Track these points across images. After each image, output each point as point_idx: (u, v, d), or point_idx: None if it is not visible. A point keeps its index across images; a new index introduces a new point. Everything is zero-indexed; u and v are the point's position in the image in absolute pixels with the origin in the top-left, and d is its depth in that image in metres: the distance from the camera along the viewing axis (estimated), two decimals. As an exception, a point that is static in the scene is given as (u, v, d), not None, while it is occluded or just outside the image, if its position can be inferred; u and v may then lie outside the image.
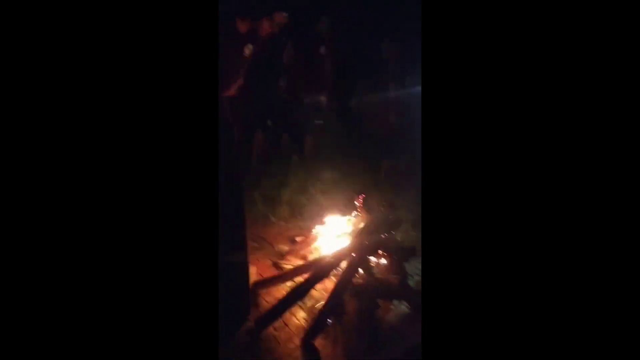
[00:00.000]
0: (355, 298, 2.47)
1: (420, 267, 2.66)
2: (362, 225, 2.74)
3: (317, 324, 2.25)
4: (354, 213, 2.95)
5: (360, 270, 2.55)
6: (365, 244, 2.47)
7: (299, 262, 2.81)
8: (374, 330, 2.37)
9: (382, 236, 2.51)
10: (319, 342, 2.23)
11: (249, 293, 2.39)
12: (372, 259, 2.65)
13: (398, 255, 2.52)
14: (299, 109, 4.56)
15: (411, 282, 2.56)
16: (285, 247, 3.14)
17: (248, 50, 4.07)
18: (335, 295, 2.33)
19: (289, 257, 2.99)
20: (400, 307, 2.58)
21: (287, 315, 2.31)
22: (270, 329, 2.22)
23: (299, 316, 2.42)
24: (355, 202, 2.95)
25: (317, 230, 3.14)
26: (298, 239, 3.21)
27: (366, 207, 2.86)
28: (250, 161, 4.51)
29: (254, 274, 2.58)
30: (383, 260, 2.72)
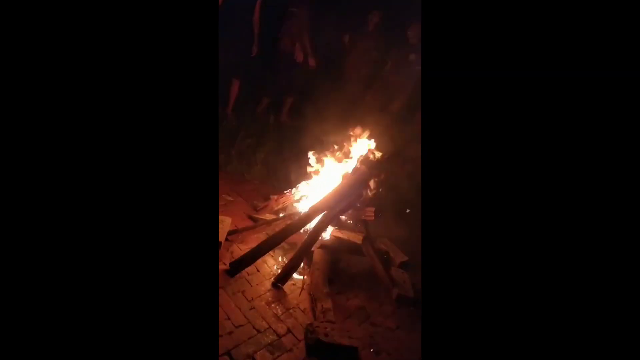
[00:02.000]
0: (322, 250, 2.71)
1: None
2: (334, 188, 2.93)
3: (284, 271, 2.47)
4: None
5: (330, 228, 2.78)
6: (336, 204, 2.68)
7: (272, 217, 2.99)
8: (336, 279, 2.64)
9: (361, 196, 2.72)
10: (287, 287, 2.47)
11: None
12: (342, 217, 2.89)
13: (363, 215, 2.75)
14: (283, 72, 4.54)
15: (373, 242, 2.83)
16: (259, 203, 3.30)
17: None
18: (304, 248, 2.55)
19: (262, 212, 3.16)
20: (363, 262, 2.87)
21: (259, 262, 2.51)
22: (244, 273, 2.41)
23: (269, 264, 2.63)
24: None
25: (291, 190, 3.32)
26: (272, 196, 3.37)
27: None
28: (226, 113, 4.51)
29: (229, 224, 2.73)
30: (350, 220, 2.97)
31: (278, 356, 1.96)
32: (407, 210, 3.57)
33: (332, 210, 2.67)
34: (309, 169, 3.20)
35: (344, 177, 2.86)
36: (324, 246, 2.72)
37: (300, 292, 2.45)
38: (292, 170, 3.69)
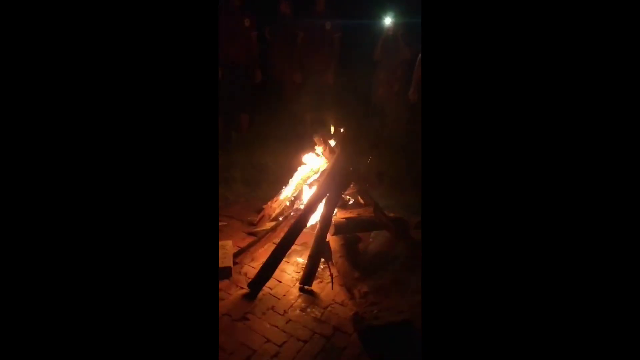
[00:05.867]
0: (337, 237, 2.52)
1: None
2: (324, 167, 2.75)
3: (307, 271, 2.27)
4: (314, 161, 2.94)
5: (336, 211, 2.60)
6: (333, 184, 2.49)
7: (272, 224, 2.78)
8: (361, 261, 2.46)
9: (350, 169, 2.55)
10: (315, 287, 2.26)
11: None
12: (345, 196, 2.72)
13: (367, 186, 2.59)
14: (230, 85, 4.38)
15: (383, 210, 2.67)
16: (254, 218, 3.07)
17: None
18: (318, 241, 2.35)
19: (261, 224, 2.94)
20: (380, 236, 2.71)
21: (277, 273, 2.29)
22: (266, 289, 2.19)
23: (288, 271, 2.42)
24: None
25: (281, 192, 3.11)
26: (264, 206, 3.15)
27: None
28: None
29: (231, 247, 2.50)
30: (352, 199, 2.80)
31: (336, 358, 1.76)
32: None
33: (332, 192, 2.49)
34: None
35: (327, 160, 2.70)
36: (337, 231, 2.53)
37: (332, 286, 2.25)
38: (273, 174, 3.51)
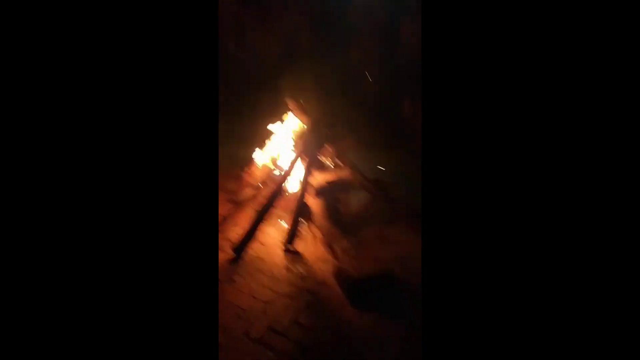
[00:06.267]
0: (317, 198, 2.58)
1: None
2: (299, 126, 2.74)
3: (291, 232, 2.33)
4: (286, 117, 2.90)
5: (315, 173, 2.64)
6: (308, 146, 2.52)
7: (251, 191, 2.79)
8: (342, 221, 2.54)
9: (326, 131, 2.57)
10: (299, 247, 2.34)
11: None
12: (322, 158, 2.75)
13: (342, 145, 2.62)
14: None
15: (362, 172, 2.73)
16: (233, 184, 3.07)
17: None
18: (298, 203, 2.40)
19: (240, 190, 2.95)
20: (359, 196, 2.78)
21: (261, 237, 2.34)
22: (251, 252, 2.24)
23: (272, 234, 2.47)
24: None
25: (257, 154, 3.08)
26: (241, 172, 3.15)
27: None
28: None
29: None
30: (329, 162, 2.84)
31: (321, 312, 1.86)
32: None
33: (309, 154, 2.51)
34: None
35: (302, 121, 2.69)
36: (317, 194, 2.58)
37: (315, 245, 2.33)
38: (252, 142, 3.45)
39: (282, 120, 2.86)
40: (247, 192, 2.84)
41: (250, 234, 2.23)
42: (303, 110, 2.68)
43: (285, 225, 2.53)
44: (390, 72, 4.06)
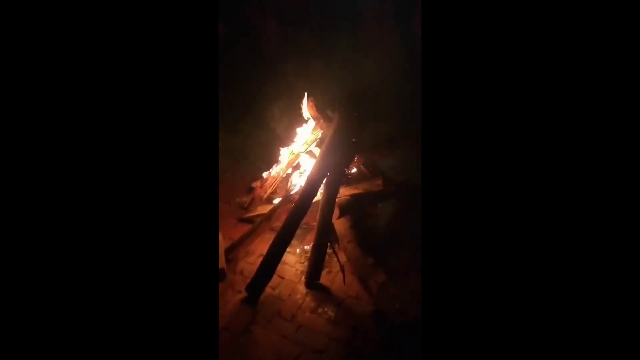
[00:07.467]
0: (343, 219, 2.19)
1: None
2: (319, 134, 2.33)
3: (314, 261, 1.96)
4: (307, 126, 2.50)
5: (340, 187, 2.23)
6: (333, 156, 2.10)
7: (267, 207, 2.42)
8: (372, 240, 2.15)
9: (352, 140, 2.14)
10: (324, 279, 1.98)
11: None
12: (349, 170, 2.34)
13: (376, 157, 2.20)
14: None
15: (392, 181, 2.32)
16: (244, 199, 2.71)
17: None
18: (323, 227, 2.01)
19: (253, 207, 2.58)
20: (388, 206, 2.38)
21: (279, 267, 1.97)
22: (268, 289, 1.89)
23: (290, 262, 2.11)
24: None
25: (273, 167, 2.72)
26: (254, 184, 2.78)
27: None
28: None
29: (222, 240, 2.16)
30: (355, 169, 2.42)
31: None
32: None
33: (333, 170, 2.10)
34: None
35: (322, 129, 2.26)
36: (343, 212, 2.19)
37: (344, 279, 1.96)
38: (260, 143, 3.10)
39: (301, 126, 2.45)
40: (260, 209, 2.47)
41: (269, 272, 1.87)
42: (324, 116, 2.25)
43: (305, 251, 2.16)
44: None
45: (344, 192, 2.24)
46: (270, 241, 1.95)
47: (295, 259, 2.13)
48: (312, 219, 2.17)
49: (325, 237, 1.98)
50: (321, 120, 2.25)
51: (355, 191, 2.25)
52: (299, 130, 2.51)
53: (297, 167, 2.57)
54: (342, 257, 2.06)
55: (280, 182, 2.60)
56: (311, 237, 2.10)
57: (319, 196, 2.14)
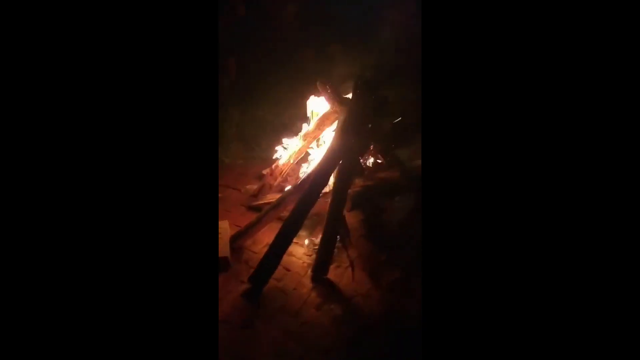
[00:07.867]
0: (355, 211, 2.06)
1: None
2: (335, 123, 2.19)
3: (322, 254, 1.84)
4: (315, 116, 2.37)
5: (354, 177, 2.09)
6: (347, 144, 1.96)
7: (277, 195, 2.31)
8: (386, 237, 2.01)
9: (368, 126, 1.99)
10: (332, 274, 1.86)
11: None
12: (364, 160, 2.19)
13: (392, 146, 2.05)
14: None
15: (410, 170, 2.16)
16: (253, 186, 2.61)
17: None
18: (333, 219, 1.88)
19: (262, 195, 2.48)
20: (405, 200, 2.23)
21: (284, 259, 1.86)
22: (272, 282, 1.79)
23: (297, 254, 2.00)
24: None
25: (281, 153, 2.60)
26: (265, 171, 2.67)
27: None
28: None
29: (227, 229, 2.06)
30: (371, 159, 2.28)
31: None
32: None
33: (346, 158, 1.96)
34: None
35: (337, 112, 2.12)
36: (355, 204, 2.05)
37: (353, 274, 1.83)
38: (273, 129, 2.98)
39: (312, 116, 2.32)
40: (269, 197, 2.36)
41: (273, 263, 1.76)
42: (338, 100, 2.10)
43: (313, 243, 2.05)
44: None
45: (358, 183, 2.10)
46: (278, 230, 1.84)
47: (302, 251, 2.02)
48: (322, 207, 2.04)
49: (335, 230, 1.85)
50: (336, 103, 2.10)
51: (370, 182, 2.10)
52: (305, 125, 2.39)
53: (307, 155, 2.44)
54: (353, 252, 1.93)
55: (292, 170, 2.48)
56: (321, 228, 1.98)
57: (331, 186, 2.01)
